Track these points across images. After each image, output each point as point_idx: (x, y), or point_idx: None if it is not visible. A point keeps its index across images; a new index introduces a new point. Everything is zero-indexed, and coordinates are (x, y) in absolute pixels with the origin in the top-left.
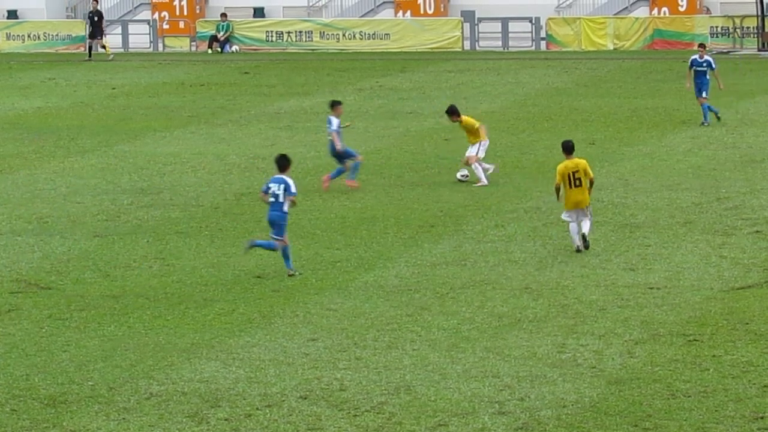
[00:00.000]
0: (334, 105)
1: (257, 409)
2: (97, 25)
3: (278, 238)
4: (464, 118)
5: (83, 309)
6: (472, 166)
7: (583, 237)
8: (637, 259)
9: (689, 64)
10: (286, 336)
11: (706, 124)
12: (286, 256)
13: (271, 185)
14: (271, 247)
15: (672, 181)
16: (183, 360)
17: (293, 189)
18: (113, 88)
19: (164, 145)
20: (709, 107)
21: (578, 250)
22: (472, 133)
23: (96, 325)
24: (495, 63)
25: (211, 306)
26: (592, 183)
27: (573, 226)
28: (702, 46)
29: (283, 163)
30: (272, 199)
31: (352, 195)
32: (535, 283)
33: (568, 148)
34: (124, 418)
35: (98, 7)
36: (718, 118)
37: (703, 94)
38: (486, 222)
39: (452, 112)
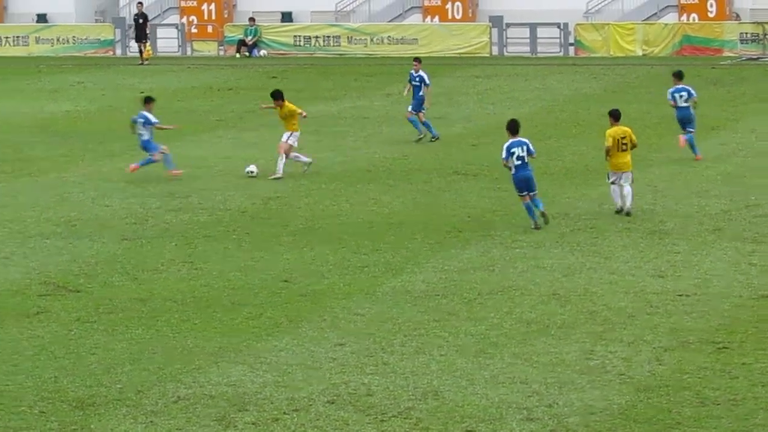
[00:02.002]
0: (147, 101)
1: (284, 413)
2: (141, 27)
3: None
4: (287, 103)
5: (111, 312)
6: (279, 156)
7: (628, 213)
8: (666, 266)
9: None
10: (313, 340)
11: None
12: None
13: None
14: None
15: (701, 188)
16: (210, 363)
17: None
18: (141, 92)
19: (192, 149)
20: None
21: (618, 211)
22: (289, 121)
23: (124, 328)
24: (523, 68)
25: (239, 310)
26: (635, 146)
27: (614, 188)
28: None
29: None
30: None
31: (379, 200)
32: (563, 289)
33: (617, 116)
34: (151, 422)
35: (143, 10)
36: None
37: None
38: (514, 227)
39: (276, 96)
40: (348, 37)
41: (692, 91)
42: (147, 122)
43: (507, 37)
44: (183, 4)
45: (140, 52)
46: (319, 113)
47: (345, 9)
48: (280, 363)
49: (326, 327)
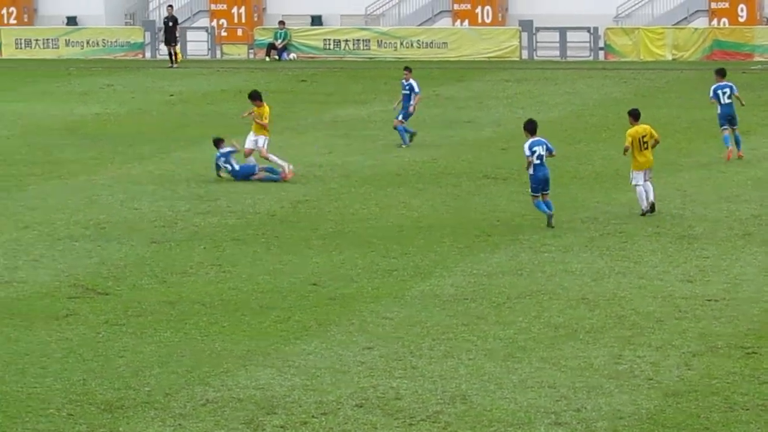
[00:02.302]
0: (218, 142)
1: (313, 416)
2: (171, 30)
3: None
4: (265, 105)
5: (140, 315)
6: (269, 158)
7: (652, 205)
8: (695, 271)
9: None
10: (341, 344)
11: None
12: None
13: None
14: None
15: (731, 193)
16: (239, 367)
17: None
18: (171, 95)
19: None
20: None
21: (643, 214)
22: (262, 125)
23: (152, 331)
24: (552, 73)
25: (267, 313)
26: (657, 142)
27: (640, 190)
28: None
29: None
30: None
31: (408, 204)
32: (592, 293)
33: (637, 115)
34: (180, 425)
35: (173, 13)
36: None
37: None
38: (543, 232)
39: (254, 97)
40: (378, 41)
41: (734, 88)
42: (228, 157)
43: (537, 41)
44: (213, 7)
45: (170, 55)
46: (349, 117)
47: (375, 12)
48: (308, 366)
49: (355, 330)
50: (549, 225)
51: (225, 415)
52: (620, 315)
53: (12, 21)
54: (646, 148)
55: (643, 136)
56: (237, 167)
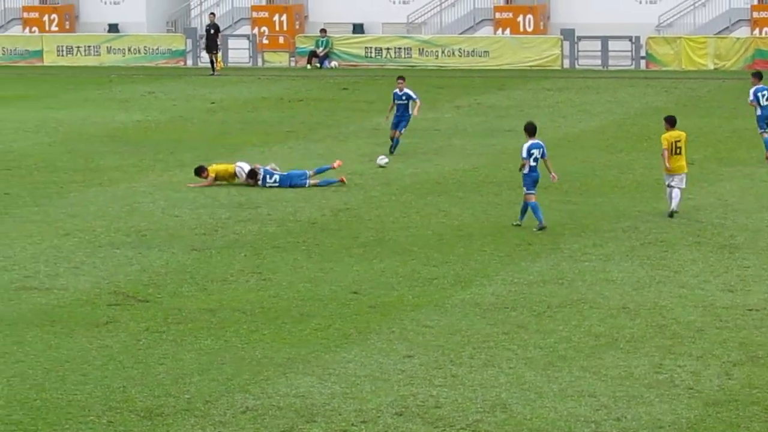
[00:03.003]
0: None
1: (352, 425)
2: (213, 38)
3: None
4: (213, 167)
5: (180, 322)
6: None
7: (672, 213)
8: (735, 281)
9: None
10: (382, 352)
11: None
12: None
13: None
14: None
15: None
16: (279, 374)
17: None
18: (212, 103)
19: (262, 160)
20: None
21: (671, 215)
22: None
23: (193, 338)
24: (594, 81)
25: (308, 321)
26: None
27: (670, 192)
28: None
29: None
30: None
31: (449, 212)
32: (633, 302)
33: (673, 122)
34: None
35: (215, 20)
36: None
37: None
38: (584, 241)
39: (198, 172)
40: (419, 49)
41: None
42: (271, 172)
43: (578, 50)
44: (254, 14)
45: (211, 62)
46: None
47: (416, 21)
48: (348, 374)
49: (395, 339)
50: (517, 224)
51: (264, 422)
52: (661, 324)
53: (54, 28)
54: (679, 153)
55: (677, 141)
56: (283, 173)
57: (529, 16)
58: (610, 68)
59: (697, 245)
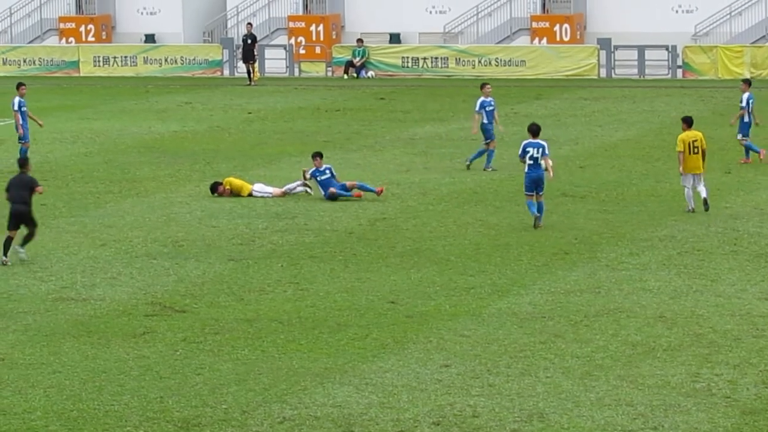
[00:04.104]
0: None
1: None
2: (250, 48)
3: None
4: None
5: (217, 332)
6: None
7: (705, 201)
8: None
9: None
10: (419, 362)
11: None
12: None
13: None
14: None
15: None
16: (316, 384)
17: None
18: (249, 113)
19: (299, 170)
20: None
21: (691, 211)
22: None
23: (230, 348)
24: (630, 91)
25: (345, 331)
26: (704, 154)
27: (688, 192)
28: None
29: None
30: None
31: (486, 221)
32: (670, 311)
33: (690, 122)
34: None
35: (252, 31)
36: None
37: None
38: (620, 250)
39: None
40: (456, 59)
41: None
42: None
43: (615, 59)
44: (291, 25)
45: (248, 72)
46: (427, 134)
47: (453, 30)
48: (385, 384)
49: (432, 348)
50: (535, 226)
51: None
52: (698, 333)
53: (90, 38)
54: (696, 153)
55: (694, 141)
56: (329, 177)
57: (566, 25)
58: (646, 77)
59: (733, 254)
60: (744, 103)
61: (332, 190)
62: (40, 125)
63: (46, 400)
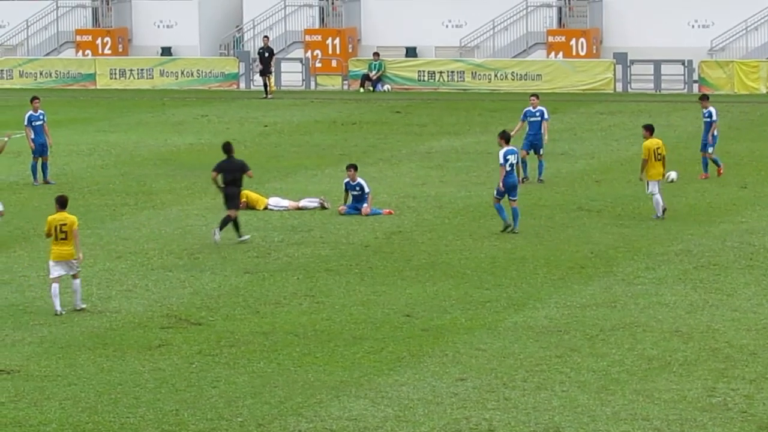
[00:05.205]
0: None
1: None
2: (267, 61)
3: None
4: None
5: (233, 345)
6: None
7: (664, 210)
8: None
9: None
10: (435, 375)
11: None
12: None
13: None
14: None
15: None
16: (332, 398)
17: None
18: (265, 126)
19: (315, 182)
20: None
21: (658, 217)
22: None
23: (245, 361)
24: (647, 105)
25: (360, 344)
26: (665, 161)
27: (657, 198)
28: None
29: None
30: None
31: (502, 236)
32: (686, 326)
33: (652, 129)
34: None
35: (268, 44)
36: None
37: (709, 149)
38: (636, 264)
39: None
40: (472, 73)
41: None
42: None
43: (631, 74)
44: (308, 38)
45: (265, 85)
46: (443, 148)
47: (469, 44)
48: (401, 397)
49: (448, 362)
50: (505, 230)
51: None
52: (714, 347)
53: (107, 51)
54: (659, 160)
55: (657, 148)
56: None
57: (582, 39)
58: (662, 92)
59: (749, 268)
60: (715, 118)
61: (340, 209)
62: (49, 144)
63: (62, 412)
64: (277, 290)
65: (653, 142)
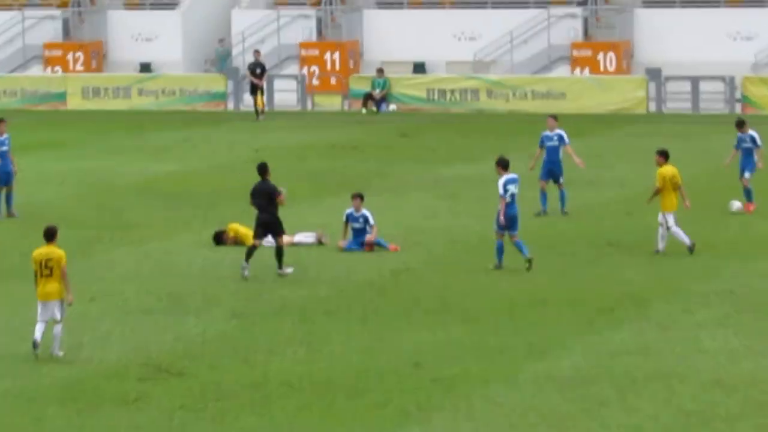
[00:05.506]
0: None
1: None
2: (259, 78)
3: None
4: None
5: (219, 398)
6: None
7: (691, 247)
8: None
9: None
10: None
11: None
12: None
13: None
14: None
15: None
16: None
17: None
18: (256, 150)
19: (312, 214)
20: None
21: (658, 252)
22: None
23: (233, 416)
24: (684, 127)
25: (363, 397)
26: (681, 191)
27: (663, 232)
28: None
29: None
30: None
31: (521, 274)
32: (728, 376)
33: (667, 155)
34: None
35: (260, 59)
36: None
37: (746, 174)
38: (672, 306)
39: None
40: (488, 91)
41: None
42: (366, 221)
43: (666, 92)
44: (303, 52)
45: (255, 107)
46: (456, 176)
47: (485, 59)
48: None
49: (461, 417)
50: (497, 267)
51: None
52: (760, 400)
53: (79, 67)
54: (675, 190)
55: (673, 177)
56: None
57: (611, 53)
58: (701, 112)
59: None
60: (759, 142)
61: (340, 244)
62: (14, 172)
63: None
64: (269, 336)
65: (669, 170)
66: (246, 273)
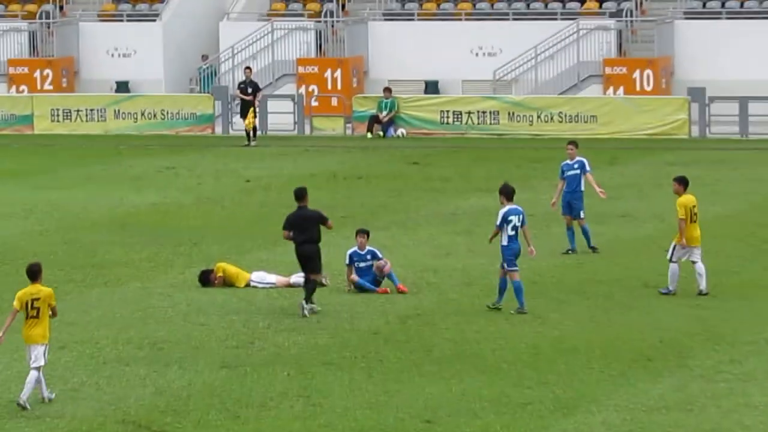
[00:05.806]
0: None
1: None
2: (251, 98)
3: None
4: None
5: None
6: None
7: (703, 293)
8: None
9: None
10: None
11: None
12: None
13: None
14: None
15: None
16: None
17: None
18: (247, 181)
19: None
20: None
21: (671, 293)
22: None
23: None
24: (730, 154)
25: None
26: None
27: (675, 269)
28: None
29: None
30: None
31: (546, 319)
32: None
33: (686, 183)
34: None
35: (252, 77)
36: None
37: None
38: (717, 355)
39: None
40: (509, 113)
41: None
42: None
43: (710, 114)
44: (301, 70)
45: (247, 131)
46: (472, 208)
47: (505, 77)
48: None
49: None
50: (494, 307)
51: None
52: None
53: (47, 86)
54: (694, 221)
55: (693, 207)
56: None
57: (648, 71)
58: (749, 137)
59: None
60: None
61: (353, 278)
62: None
63: None
64: (262, 389)
65: (689, 199)
66: (306, 312)
